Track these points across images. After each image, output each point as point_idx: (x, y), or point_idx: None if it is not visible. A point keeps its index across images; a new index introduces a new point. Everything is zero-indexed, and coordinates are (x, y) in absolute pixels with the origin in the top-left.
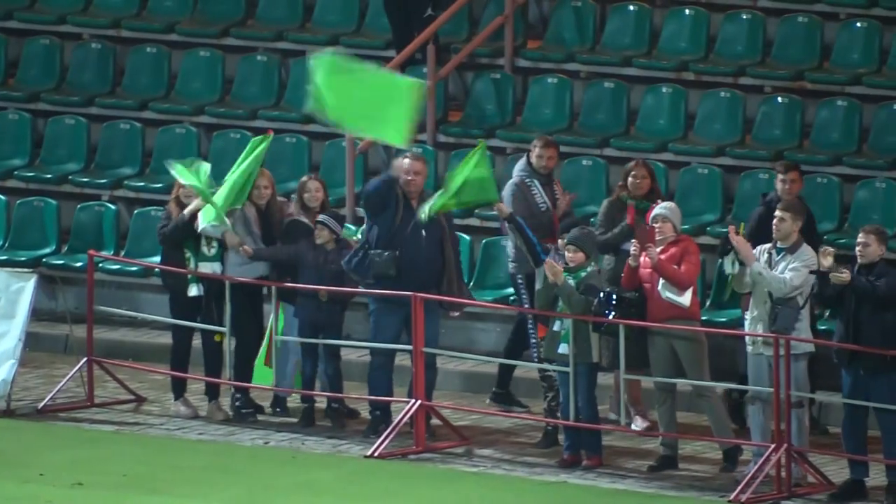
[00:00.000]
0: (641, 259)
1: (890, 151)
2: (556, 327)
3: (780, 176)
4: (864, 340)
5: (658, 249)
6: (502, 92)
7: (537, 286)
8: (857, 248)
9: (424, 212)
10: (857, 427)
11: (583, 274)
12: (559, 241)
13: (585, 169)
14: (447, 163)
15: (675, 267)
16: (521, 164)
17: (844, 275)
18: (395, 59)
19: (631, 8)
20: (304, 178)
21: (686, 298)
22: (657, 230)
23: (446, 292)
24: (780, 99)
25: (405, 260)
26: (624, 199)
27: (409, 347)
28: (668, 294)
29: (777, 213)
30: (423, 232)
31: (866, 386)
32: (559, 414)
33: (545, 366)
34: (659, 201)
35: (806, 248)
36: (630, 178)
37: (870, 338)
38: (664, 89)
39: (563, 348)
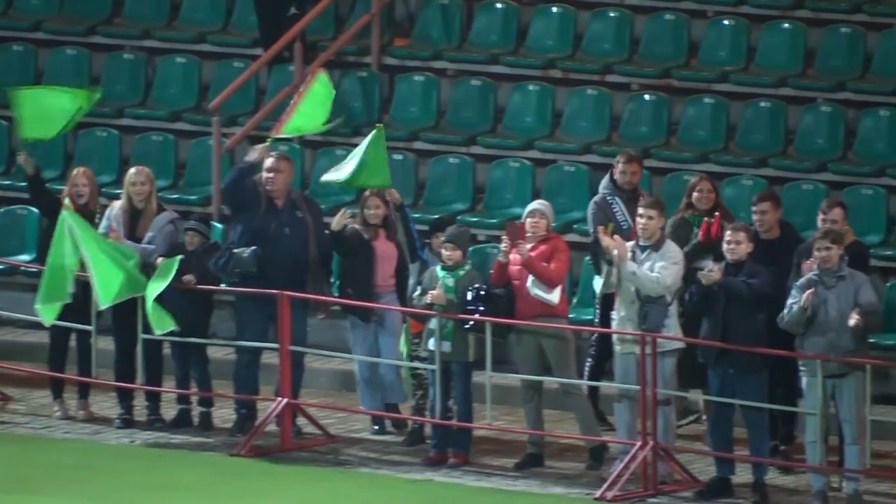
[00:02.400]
0: (511, 256)
1: (757, 149)
2: (431, 325)
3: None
4: (733, 339)
5: (528, 246)
6: (369, 90)
7: (411, 281)
8: (729, 247)
9: (321, 184)
10: (724, 425)
11: (461, 273)
12: (432, 239)
13: (452, 167)
14: (314, 161)
15: (545, 264)
16: (604, 182)
17: (715, 273)
18: (262, 57)
19: (498, 5)
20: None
21: (555, 296)
22: (532, 226)
23: (311, 291)
24: (646, 96)
25: (267, 257)
26: (689, 218)
27: (276, 346)
28: (537, 291)
29: (641, 211)
30: (287, 230)
31: (734, 385)
32: (427, 412)
33: (416, 364)
34: (717, 214)
35: (670, 245)
36: (696, 194)
37: (739, 337)
38: (531, 87)
39: (432, 344)
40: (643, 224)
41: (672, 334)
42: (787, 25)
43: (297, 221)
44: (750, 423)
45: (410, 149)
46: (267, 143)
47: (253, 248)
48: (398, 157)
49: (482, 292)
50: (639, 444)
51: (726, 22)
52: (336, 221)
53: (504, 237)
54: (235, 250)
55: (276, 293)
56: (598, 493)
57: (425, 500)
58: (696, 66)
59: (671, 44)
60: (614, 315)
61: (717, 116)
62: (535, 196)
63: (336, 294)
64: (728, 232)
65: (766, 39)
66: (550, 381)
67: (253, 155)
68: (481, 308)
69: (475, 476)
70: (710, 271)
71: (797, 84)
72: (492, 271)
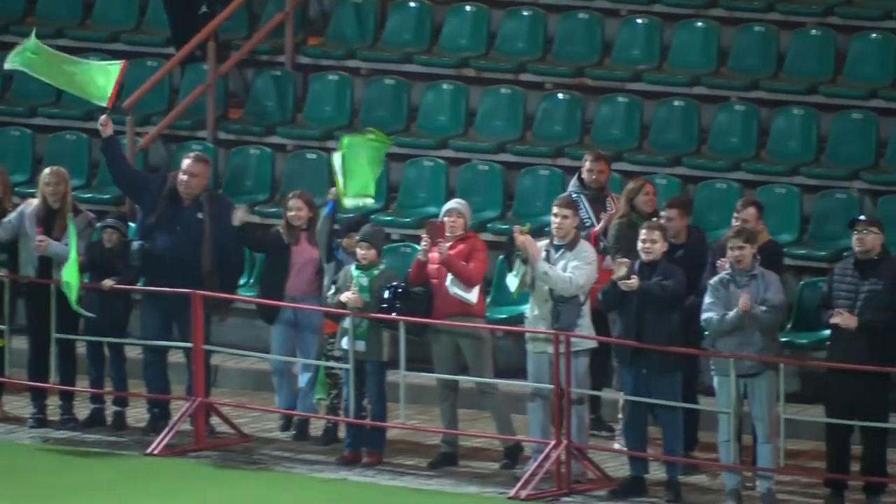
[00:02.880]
0: (431, 254)
1: (670, 147)
2: (345, 324)
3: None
4: (648, 340)
5: (447, 245)
6: (283, 89)
7: (326, 280)
8: (644, 246)
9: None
10: (638, 425)
11: (376, 272)
12: (345, 240)
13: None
14: (227, 160)
15: (464, 263)
16: (573, 182)
17: (633, 281)
18: (175, 56)
19: (412, 4)
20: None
21: (473, 295)
22: (450, 225)
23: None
24: (560, 95)
25: (155, 253)
26: (638, 222)
27: (189, 345)
28: (455, 290)
29: (555, 210)
30: (179, 229)
31: (648, 384)
32: (341, 411)
33: (331, 363)
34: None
35: (584, 245)
36: (642, 197)
37: (654, 337)
38: (445, 86)
39: (346, 343)
40: (558, 223)
41: (585, 334)
42: (700, 24)
43: (194, 222)
44: (664, 422)
45: (324, 148)
46: (104, 116)
47: (140, 242)
48: (312, 156)
49: (400, 290)
50: (552, 443)
51: (640, 21)
52: (237, 217)
53: (424, 235)
54: (132, 242)
55: (189, 292)
56: (511, 493)
57: (339, 500)
58: (609, 64)
59: (584, 43)
60: (527, 313)
61: (630, 115)
62: (450, 195)
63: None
64: (643, 231)
65: (680, 38)
66: (466, 381)
67: (107, 131)
68: (398, 305)
69: (389, 475)
70: (630, 279)
71: (710, 83)
72: (410, 269)
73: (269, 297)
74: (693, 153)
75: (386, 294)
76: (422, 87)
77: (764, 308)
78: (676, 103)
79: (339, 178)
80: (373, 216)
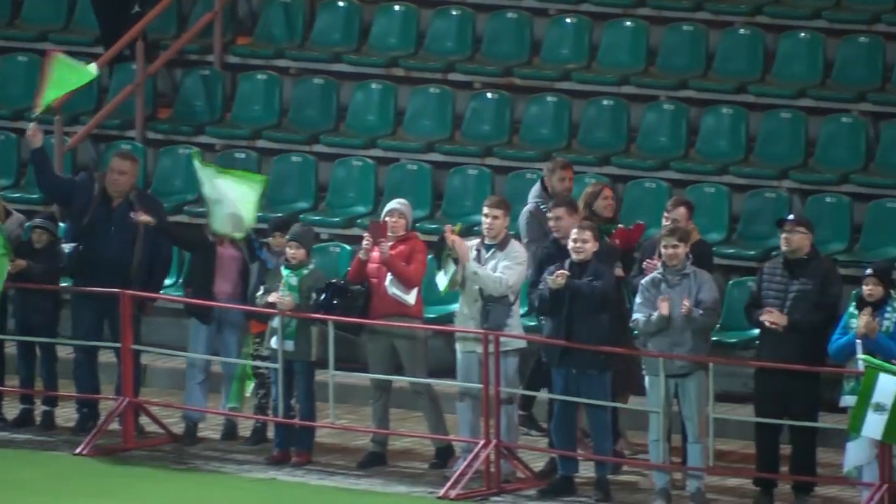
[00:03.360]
0: (372, 254)
1: (599, 147)
2: (274, 323)
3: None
4: (578, 339)
5: (388, 245)
6: (211, 88)
7: (252, 281)
8: (575, 246)
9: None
10: (568, 424)
11: (305, 272)
12: (270, 239)
13: (294, 165)
14: (156, 160)
15: (405, 265)
16: (535, 190)
17: (560, 278)
18: (104, 55)
19: (340, 4)
20: None
21: (412, 297)
22: (392, 225)
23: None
24: (489, 95)
25: (90, 256)
26: (602, 228)
27: (118, 345)
28: (394, 291)
29: (486, 210)
30: (113, 229)
31: (577, 384)
32: (270, 411)
33: (259, 363)
34: (620, 225)
35: (515, 245)
36: (602, 202)
37: (583, 337)
38: (374, 85)
39: (275, 342)
40: (489, 223)
41: (515, 333)
42: (629, 23)
43: (127, 222)
44: (593, 422)
45: (254, 147)
46: (33, 125)
47: (73, 244)
48: (241, 155)
49: (338, 288)
50: (482, 442)
51: (568, 20)
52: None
53: (365, 235)
54: (62, 246)
55: (118, 292)
56: (441, 492)
57: (269, 500)
58: (538, 64)
59: (513, 42)
60: (456, 313)
61: (559, 115)
62: (378, 195)
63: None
64: (574, 231)
65: (608, 37)
66: (399, 381)
67: (36, 141)
68: (336, 303)
69: (318, 475)
70: (557, 276)
71: (639, 82)
72: (349, 268)
73: (199, 296)
74: (622, 152)
75: (322, 295)
76: (351, 87)
77: (700, 311)
78: (605, 102)
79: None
80: (301, 216)
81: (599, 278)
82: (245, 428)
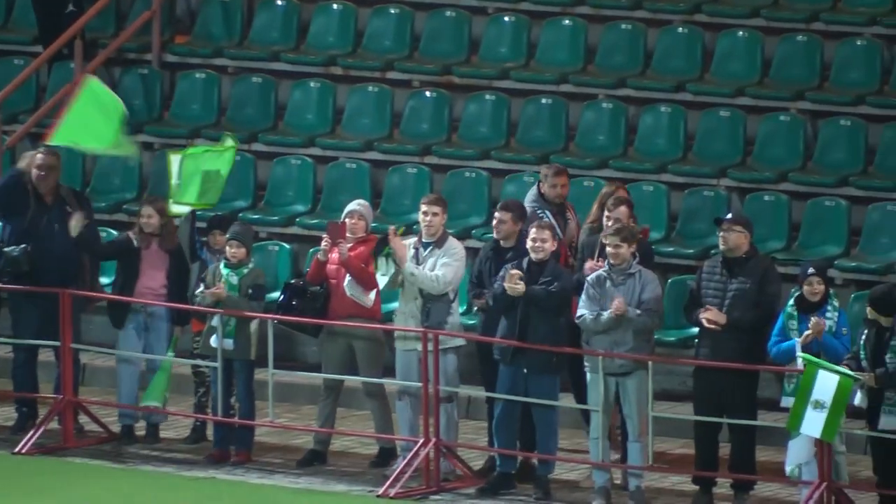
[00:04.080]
0: (331, 255)
1: (538, 145)
2: (213, 322)
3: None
4: (531, 340)
5: (348, 246)
6: (150, 87)
7: (192, 280)
8: (534, 245)
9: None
10: (511, 422)
11: (245, 270)
12: (209, 237)
13: (234, 165)
14: (95, 159)
15: (364, 266)
16: (531, 195)
17: (520, 286)
18: (42, 54)
19: (279, 3)
20: None
21: (370, 298)
22: (351, 226)
23: (80, 286)
24: (428, 93)
25: (38, 255)
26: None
27: (57, 343)
28: (353, 292)
29: (424, 208)
30: (57, 226)
31: (526, 383)
32: (209, 410)
33: (198, 361)
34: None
35: (453, 242)
36: (610, 202)
37: (537, 338)
38: (312, 84)
39: (214, 341)
40: (427, 221)
41: (455, 331)
42: (567, 22)
43: (67, 217)
44: (540, 421)
45: (192, 146)
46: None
47: (23, 245)
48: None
49: (297, 288)
50: (421, 441)
51: (507, 19)
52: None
53: (324, 236)
54: (6, 249)
55: (57, 291)
56: (380, 491)
57: (208, 498)
58: (476, 62)
59: (452, 41)
60: (396, 311)
61: (497, 113)
62: (317, 193)
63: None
64: (533, 230)
65: (547, 36)
66: (350, 381)
67: (22, 163)
68: (294, 304)
69: (258, 473)
70: (517, 284)
71: (578, 80)
72: (308, 268)
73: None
74: (560, 151)
75: (281, 295)
76: (289, 86)
77: (639, 312)
78: (544, 101)
79: (174, 182)
80: (240, 214)
81: (557, 279)
82: (184, 427)
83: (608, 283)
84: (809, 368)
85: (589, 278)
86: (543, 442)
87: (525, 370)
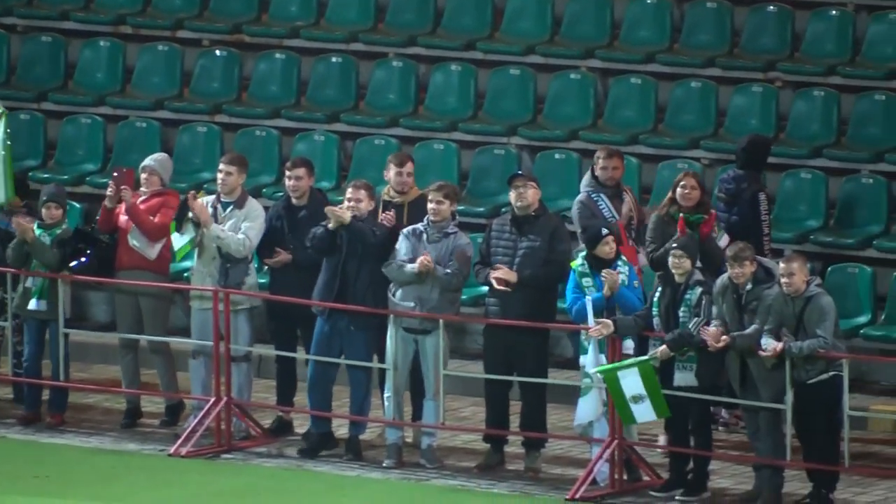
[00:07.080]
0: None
1: (328, 104)
2: (28, 283)
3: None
4: (350, 293)
5: (141, 199)
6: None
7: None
8: (349, 205)
9: None
10: (324, 382)
11: (58, 231)
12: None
13: (23, 124)
14: None
15: (151, 218)
16: (586, 179)
17: (346, 214)
18: None
19: None
20: None
21: (155, 250)
22: (143, 181)
23: None
24: (218, 52)
25: None
26: (674, 214)
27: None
28: (134, 242)
29: (221, 166)
30: None
31: (341, 340)
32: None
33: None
34: (713, 211)
35: (253, 203)
36: (679, 190)
37: (357, 292)
38: (102, 43)
39: (34, 304)
40: (221, 178)
41: (251, 291)
42: None
43: None
44: (353, 380)
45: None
46: None
47: None
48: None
49: (85, 234)
50: (213, 399)
51: None
52: None
53: (110, 182)
54: None
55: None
56: (171, 450)
57: (27, 461)
58: (267, 21)
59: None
60: (192, 270)
61: (287, 72)
62: (108, 152)
63: None
64: (349, 190)
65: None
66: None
67: None
68: (88, 250)
69: (49, 433)
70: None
71: (368, 39)
72: (98, 217)
73: None
74: (350, 109)
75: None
76: (79, 45)
77: (448, 271)
78: (334, 59)
79: None
80: (31, 173)
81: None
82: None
83: (424, 237)
84: (609, 376)
85: (405, 230)
86: (356, 401)
87: (351, 327)
